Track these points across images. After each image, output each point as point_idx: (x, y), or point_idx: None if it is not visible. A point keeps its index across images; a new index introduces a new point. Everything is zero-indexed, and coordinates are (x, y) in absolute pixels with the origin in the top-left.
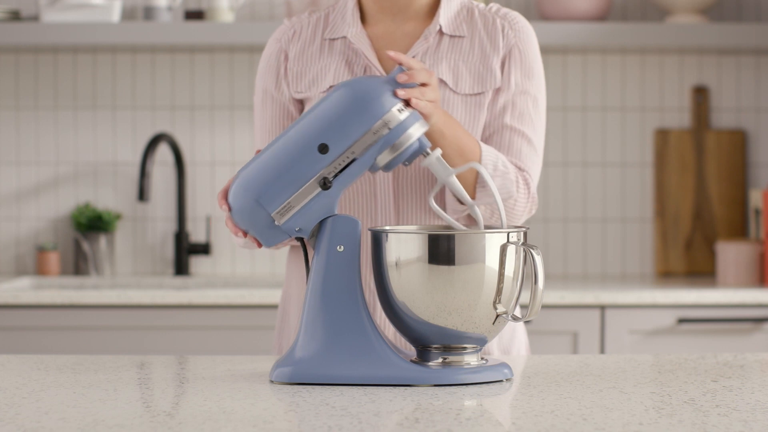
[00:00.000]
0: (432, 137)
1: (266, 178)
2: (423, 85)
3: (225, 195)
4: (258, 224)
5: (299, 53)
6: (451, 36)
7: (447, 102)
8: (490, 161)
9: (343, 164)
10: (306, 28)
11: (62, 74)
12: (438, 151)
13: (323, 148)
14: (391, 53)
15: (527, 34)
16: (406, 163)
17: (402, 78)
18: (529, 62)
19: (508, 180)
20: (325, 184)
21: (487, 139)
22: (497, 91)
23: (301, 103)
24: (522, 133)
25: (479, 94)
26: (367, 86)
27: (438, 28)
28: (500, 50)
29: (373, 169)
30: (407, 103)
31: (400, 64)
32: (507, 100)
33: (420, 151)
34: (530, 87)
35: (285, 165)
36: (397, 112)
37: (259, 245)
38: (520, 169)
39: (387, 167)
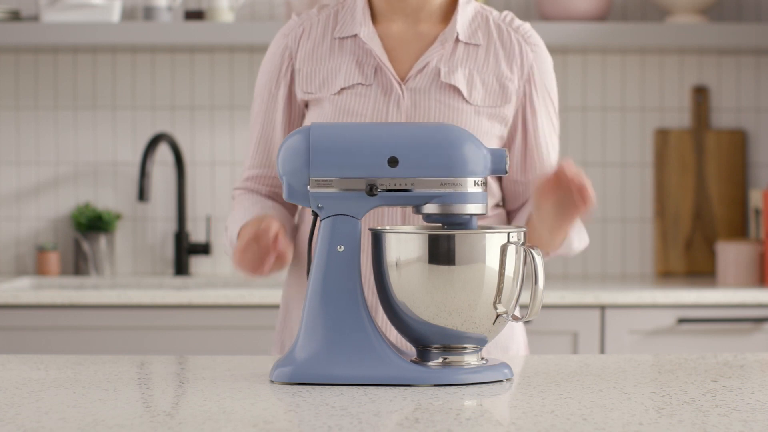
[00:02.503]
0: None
1: (331, 146)
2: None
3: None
4: (295, 174)
5: (309, 53)
6: (466, 43)
7: (459, 111)
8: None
9: (397, 187)
10: (316, 26)
11: (62, 74)
12: None
13: (393, 161)
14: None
15: (542, 49)
16: (445, 226)
17: None
18: (549, 79)
19: (584, 231)
20: (371, 191)
21: (525, 155)
22: (524, 111)
23: (305, 103)
24: (555, 149)
25: (492, 107)
26: (469, 143)
27: (455, 35)
28: (516, 69)
29: (417, 210)
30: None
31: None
32: (540, 121)
33: (464, 226)
34: (552, 100)
35: (353, 149)
36: (472, 183)
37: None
38: None
39: (428, 218)
